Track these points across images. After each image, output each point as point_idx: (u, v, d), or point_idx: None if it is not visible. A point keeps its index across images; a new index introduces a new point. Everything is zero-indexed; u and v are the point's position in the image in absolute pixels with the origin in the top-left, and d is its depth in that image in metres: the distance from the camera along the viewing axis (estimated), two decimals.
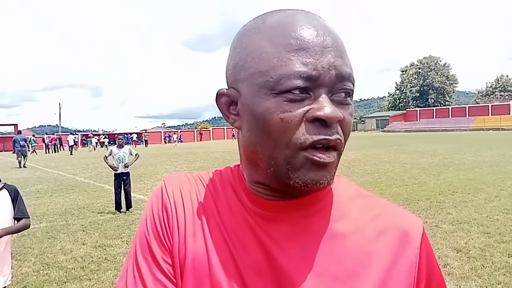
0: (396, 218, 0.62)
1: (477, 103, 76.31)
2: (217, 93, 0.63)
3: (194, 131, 66.28)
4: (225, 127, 65.93)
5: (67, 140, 36.31)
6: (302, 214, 0.61)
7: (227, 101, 0.61)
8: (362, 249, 0.58)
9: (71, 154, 32.68)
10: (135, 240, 0.65)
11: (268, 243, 0.60)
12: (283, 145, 0.54)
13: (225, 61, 0.64)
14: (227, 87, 0.62)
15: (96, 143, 36.97)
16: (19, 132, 21.61)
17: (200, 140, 58.33)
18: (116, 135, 11.10)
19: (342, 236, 0.60)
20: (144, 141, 46.68)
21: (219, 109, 0.63)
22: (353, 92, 0.57)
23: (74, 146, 36.63)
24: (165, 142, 54.07)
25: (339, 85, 0.54)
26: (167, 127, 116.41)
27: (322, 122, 0.53)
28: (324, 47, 0.54)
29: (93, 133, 47.59)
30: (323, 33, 0.55)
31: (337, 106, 0.54)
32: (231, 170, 0.70)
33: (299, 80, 0.52)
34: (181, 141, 46.14)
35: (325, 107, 0.52)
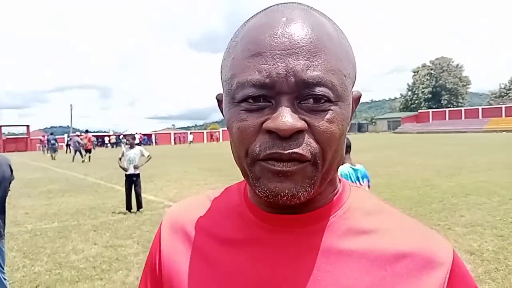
0: (420, 239, 0.55)
1: (490, 105, 75.30)
2: (216, 99, 0.62)
3: (203, 132, 66.60)
4: None
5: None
6: (306, 230, 0.56)
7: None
8: (375, 271, 0.52)
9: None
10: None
11: (262, 266, 0.56)
12: (243, 154, 0.52)
13: None
14: None
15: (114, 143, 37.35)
16: (51, 133, 27.97)
17: (211, 141, 58.73)
18: (125, 136, 11.23)
19: (351, 255, 0.54)
20: (154, 141, 47.21)
21: (222, 114, 0.62)
22: (334, 95, 0.49)
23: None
24: (175, 143, 54.46)
25: (305, 91, 0.48)
26: (177, 128, 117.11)
27: (277, 134, 0.47)
28: (284, 49, 0.48)
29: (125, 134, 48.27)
30: (288, 32, 0.49)
31: (307, 114, 0.48)
32: (239, 185, 0.67)
33: (252, 88, 0.48)
34: (191, 142, 46.51)
35: (278, 117, 0.47)
